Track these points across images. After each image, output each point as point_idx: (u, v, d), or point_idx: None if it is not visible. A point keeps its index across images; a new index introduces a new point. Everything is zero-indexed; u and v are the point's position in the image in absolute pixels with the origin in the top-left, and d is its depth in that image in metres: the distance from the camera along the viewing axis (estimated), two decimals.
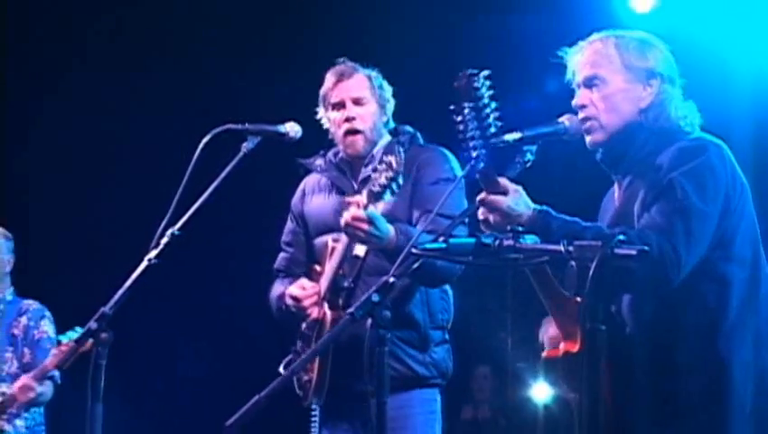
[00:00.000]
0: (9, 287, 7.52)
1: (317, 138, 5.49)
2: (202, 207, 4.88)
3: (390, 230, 4.91)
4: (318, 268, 5.31)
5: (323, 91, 5.44)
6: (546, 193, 4.23)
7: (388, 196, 4.76)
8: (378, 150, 5.38)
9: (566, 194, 5.79)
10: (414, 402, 5.21)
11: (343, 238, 5.04)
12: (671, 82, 4.27)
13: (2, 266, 7.49)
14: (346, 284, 5.10)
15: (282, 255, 5.64)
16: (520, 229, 3.90)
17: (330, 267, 5.14)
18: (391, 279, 4.16)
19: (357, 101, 5.36)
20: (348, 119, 5.35)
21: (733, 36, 8.21)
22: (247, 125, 5.13)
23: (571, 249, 3.64)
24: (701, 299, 4.06)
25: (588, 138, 4.25)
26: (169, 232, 4.82)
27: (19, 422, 7.26)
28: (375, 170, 4.86)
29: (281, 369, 5.20)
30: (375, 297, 4.08)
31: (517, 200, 4.01)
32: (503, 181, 4.02)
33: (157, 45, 9.39)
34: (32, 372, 7.00)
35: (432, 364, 5.26)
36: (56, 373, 7.09)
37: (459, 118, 3.95)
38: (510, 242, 3.85)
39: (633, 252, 3.55)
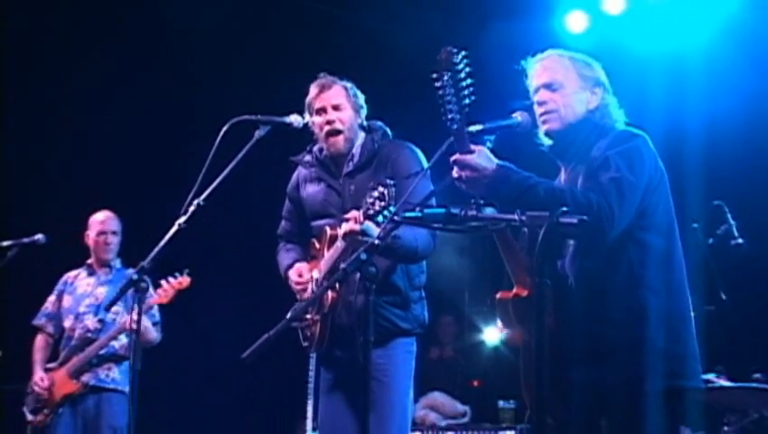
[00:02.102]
0: (117, 259, 7.69)
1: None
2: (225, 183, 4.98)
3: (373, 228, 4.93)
4: (317, 244, 5.38)
5: (308, 100, 5.45)
6: None
7: (380, 219, 4.81)
8: (356, 147, 5.43)
9: None
10: (397, 347, 5.29)
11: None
12: (609, 92, 4.41)
13: (116, 241, 7.65)
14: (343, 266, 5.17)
15: (282, 224, 5.73)
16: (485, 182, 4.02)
17: (330, 255, 5.19)
18: (377, 242, 4.26)
19: (336, 107, 5.39)
20: (329, 122, 5.38)
21: (650, 51, 8.27)
22: (259, 116, 5.20)
23: (524, 218, 3.72)
24: (627, 260, 4.12)
25: (545, 127, 4.35)
26: (195, 202, 4.95)
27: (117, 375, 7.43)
28: (370, 196, 4.89)
29: (287, 316, 5.27)
30: (363, 256, 4.19)
31: (482, 156, 4.06)
32: (472, 146, 4.07)
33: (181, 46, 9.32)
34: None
35: (412, 319, 5.33)
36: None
37: (438, 85, 3.98)
38: (474, 212, 3.93)
39: (575, 221, 3.64)
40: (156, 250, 4.99)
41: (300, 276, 5.35)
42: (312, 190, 5.52)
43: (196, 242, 5.89)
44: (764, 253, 6.71)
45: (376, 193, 4.74)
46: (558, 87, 4.36)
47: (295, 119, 5.29)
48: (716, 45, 8.21)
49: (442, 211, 4.02)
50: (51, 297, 7.67)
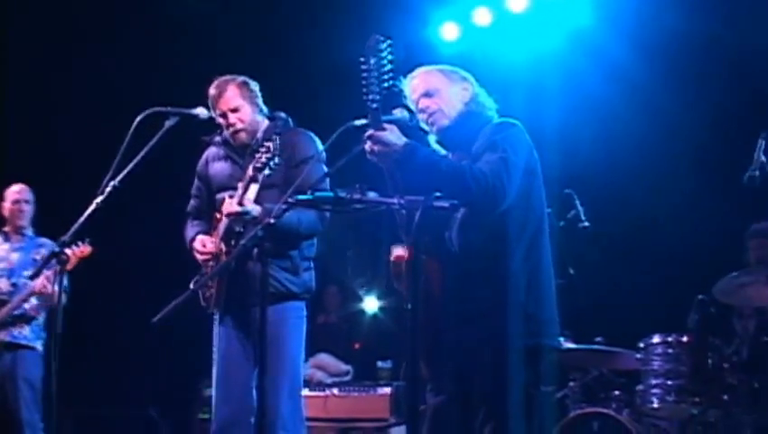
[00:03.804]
0: (30, 227, 7.65)
1: None
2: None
3: (256, 209, 5.07)
4: (218, 215, 5.38)
5: (209, 102, 5.43)
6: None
7: (266, 171, 4.91)
8: (260, 135, 5.44)
9: None
10: (288, 310, 5.32)
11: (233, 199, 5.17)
12: (475, 84, 4.47)
13: (28, 209, 7.63)
14: (237, 229, 5.21)
15: (191, 202, 5.71)
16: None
17: (222, 224, 5.25)
18: (272, 221, 4.31)
19: (234, 109, 5.40)
20: (230, 125, 5.41)
21: (513, 58, 8.38)
22: (169, 108, 5.21)
23: (402, 201, 3.80)
24: (504, 234, 4.16)
25: (435, 127, 4.39)
26: (111, 184, 4.97)
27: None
28: (257, 151, 4.99)
29: (191, 285, 5.29)
30: (260, 233, 4.22)
31: (393, 133, 4.07)
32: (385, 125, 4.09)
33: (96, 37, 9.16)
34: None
35: (301, 284, 5.36)
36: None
37: (364, 68, 3.99)
38: (358, 195, 4.00)
39: (447, 205, 3.76)
40: (76, 225, 5.01)
41: (204, 246, 5.35)
42: (219, 166, 5.53)
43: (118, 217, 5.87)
44: (606, 234, 6.87)
45: (263, 149, 4.81)
46: (434, 92, 4.40)
47: (200, 111, 5.30)
48: (568, 53, 8.37)
49: (330, 194, 4.07)
50: None
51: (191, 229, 5.60)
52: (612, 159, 8.20)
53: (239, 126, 5.40)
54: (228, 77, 5.45)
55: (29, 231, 7.65)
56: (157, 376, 9.60)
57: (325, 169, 5.02)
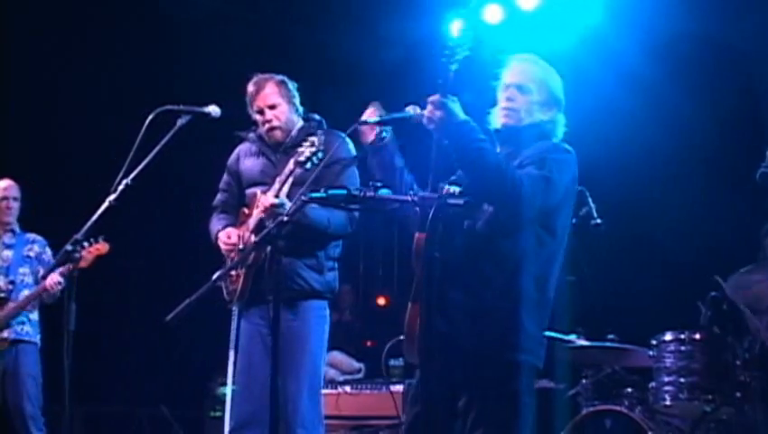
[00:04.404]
0: (16, 224, 7.64)
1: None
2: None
3: (289, 204, 5.05)
4: (246, 211, 5.41)
5: (247, 99, 5.50)
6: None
7: (308, 165, 4.88)
8: (294, 133, 5.47)
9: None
10: (311, 309, 5.33)
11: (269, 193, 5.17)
12: (561, 111, 4.40)
13: (16, 206, 7.61)
14: (269, 224, 5.19)
15: (219, 196, 5.72)
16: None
17: (255, 215, 5.24)
18: (285, 218, 4.30)
19: (272, 106, 5.44)
20: (268, 121, 5.44)
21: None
22: (181, 106, 5.19)
23: (416, 198, 3.79)
24: (521, 248, 4.11)
25: (503, 120, 4.30)
26: (124, 182, 4.95)
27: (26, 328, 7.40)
28: (295, 147, 4.98)
29: (213, 278, 5.28)
30: (273, 231, 4.21)
31: (457, 105, 4.01)
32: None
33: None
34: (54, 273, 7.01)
35: (325, 283, 5.38)
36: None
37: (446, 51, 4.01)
38: (372, 193, 3.99)
39: (461, 202, 3.73)
40: (89, 223, 4.99)
41: (229, 238, 5.36)
42: (251, 162, 5.56)
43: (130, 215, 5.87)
44: (618, 232, 6.86)
45: (306, 143, 4.79)
46: (527, 91, 4.30)
47: (212, 110, 5.28)
48: (579, 52, 8.34)
49: (343, 192, 4.06)
50: None
51: (217, 222, 5.61)
52: (623, 158, 8.20)
53: (276, 123, 5.44)
54: (267, 75, 5.51)
55: (16, 228, 7.65)
56: (169, 374, 9.60)
57: (357, 173, 5.07)
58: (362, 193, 4.00)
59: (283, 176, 5.12)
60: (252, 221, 5.28)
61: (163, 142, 5.11)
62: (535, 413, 4.17)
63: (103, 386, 9.09)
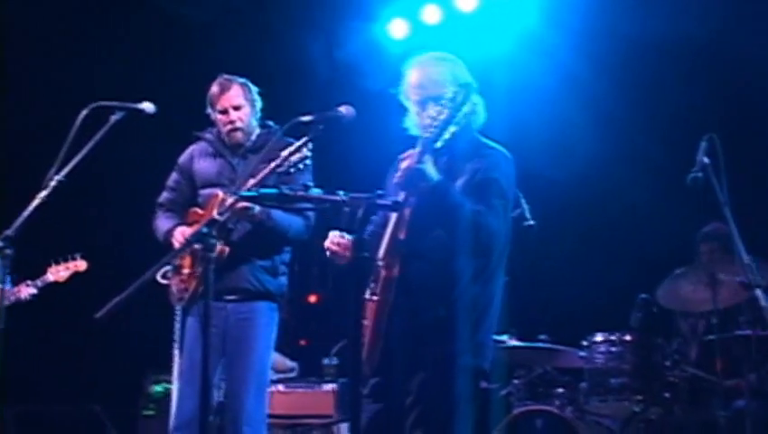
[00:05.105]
0: None
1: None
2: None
3: (257, 208, 5.17)
4: (200, 211, 5.47)
5: (210, 98, 5.59)
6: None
7: (292, 170, 4.84)
8: (254, 138, 5.58)
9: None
10: (262, 309, 5.48)
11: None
12: (475, 92, 4.51)
13: None
14: (230, 226, 5.28)
15: (166, 194, 5.76)
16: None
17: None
18: (217, 217, 4.35)
19: (236, 107, 5.55)
20: (231, 122, 5.53)
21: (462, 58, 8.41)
22: (114, 102, 5.20)
23: (346, 199, 3.87)
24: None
25: (427, 134, 4.27)
26: (56, 178, 4.94)
27: None
28: (286, 150, 4.97)
29: (159, 277, 5.36)
30: (205, 229, 4.25)
31: (430, 167, 4.13)
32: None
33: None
34: None
35: (277, 286, 5.53)
36: None
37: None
38: (303, 193, 4.06)
39: (389, 203, 3.82)
40: (20, 220, 4.97)
41: (183, 235, 5.41)
42: (207, 163, 5.64)
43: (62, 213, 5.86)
44: (552, 233, 6.95)
45: (292, 148, 4.79)
46: (442, 98, 4.31)
47: (147, 106, 5.28)
48: (518, 54, 8.43)
49: (275, 190, 4.13)
50: None
51: (166, 220, 5.65)
52: (559, 159, 8.28)
53: (239, 124, 5.54)
54: (232, 76, 5.61)
55: None
56: (102, 372, 9.55)
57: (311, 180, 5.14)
58: (293, 193, 4.08)
59: (257, 179, 5.12)
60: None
61: (96, 138, 5.10)
62: (475, 414, 4.29)
63: (35, 385, 9.01)
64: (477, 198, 4.22)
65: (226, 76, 5.61)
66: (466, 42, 8.56)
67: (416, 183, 4.10)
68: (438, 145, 4.20)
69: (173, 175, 5.76)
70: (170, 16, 8.68)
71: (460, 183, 4.27)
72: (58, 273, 7.05)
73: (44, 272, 6.93)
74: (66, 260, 6.87)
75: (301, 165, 4.85)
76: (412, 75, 4.48)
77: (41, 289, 6.88)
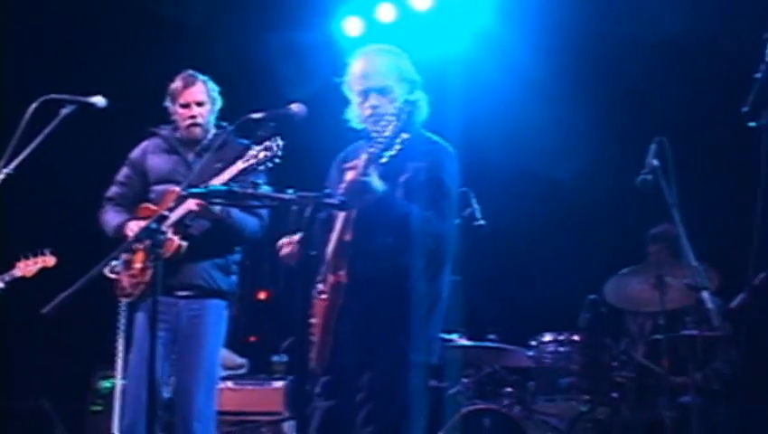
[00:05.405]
0: None
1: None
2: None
3: (217, 207, 5.26)
4: (153, 207, 5.48)
5: (173, 92, 5.65)
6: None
7: (261, 168, 4.98)
8: (210, 136, 5.65)
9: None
10: (213, 307, 5.56)
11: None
12: (419, 88, 4.55)
13: None
14: (188, 222, 5.34)
15: (115, 188, 5.77)
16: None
17: (180, 209, 5.28)
18: (165, 213, 4.37)
19: (199, 103, 5.62)
20: (192, 116, 5.60)
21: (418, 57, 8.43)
22: (65, 95, 5.20)
23: (294, 197, 3.90)
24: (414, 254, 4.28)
25: (373, 126, 4.31)
26: (4, 171, 4.95)
27: None
28: (254, 149, 5.02)
29: (107, 271, 5.37)
30: (153, 225, 4.27)
31: (376, 180, 4.12)
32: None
33: None
34: None
35: (229, 284, 5.62)
36: None
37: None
38: (252, 190, 4.10)
39: (336, 202, 3.86)
40: None
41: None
42: (161, 159, 5.68)
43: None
44: (502, 233, 7.00)
45: (260, 147, 4.83)
46: (389, 91, 4.39)
47: (98, 100, 5.31)
48: (473, 53, 8.47)
49: (224, 187, 4.16)
50: None
51: (116, 214, 5.67)
52: (511, 158, 8.34)
53: (200, 120, 5.62)
54: (196, 72, 5.67)
55: None
56: (49, 368, 9.51)
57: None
58: (242, 190, 4.11)
59: (225, 176, 5.15)
60: (172, 218, 5.30)
61: (45, 132, 5.10)
62: (425, 411, 4.33)
63: None
64: (423, 201, 4.26)
65: (190, 72, 5.67)
66: (421, 40, 8.60)
67: (361, 196, 4.11)
68: (384, 160, 4.15)
69: (124, 170, 5.77)
70: (125, 11, 8.67)
71: (403, 179, 4.30)
72: (26, 268, 6.99)
73: (12, 267, 6.87)
74: (35, 255, 6.83)
75: (270, 164, 4.92)
76: (357, 65, 4.49)
77: (7, 284, 6.83)
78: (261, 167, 4.97)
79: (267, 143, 4.91)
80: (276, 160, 4.91)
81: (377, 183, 4.12)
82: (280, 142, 4.87)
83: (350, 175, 4.12)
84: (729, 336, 6.23)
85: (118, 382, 5.63)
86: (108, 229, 5.61)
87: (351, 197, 4.09)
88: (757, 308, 5.32)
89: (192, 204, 5.23)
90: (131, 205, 5.66)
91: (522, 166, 8.37)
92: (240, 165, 5.08)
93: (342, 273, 4.17)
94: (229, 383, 7.56)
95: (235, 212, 5.38)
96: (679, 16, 7.65)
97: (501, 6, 8.50)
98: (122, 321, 5.55)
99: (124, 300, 5.56)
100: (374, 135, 4.20)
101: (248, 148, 5.09)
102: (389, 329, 4.24)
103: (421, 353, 4.29)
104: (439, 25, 8.69)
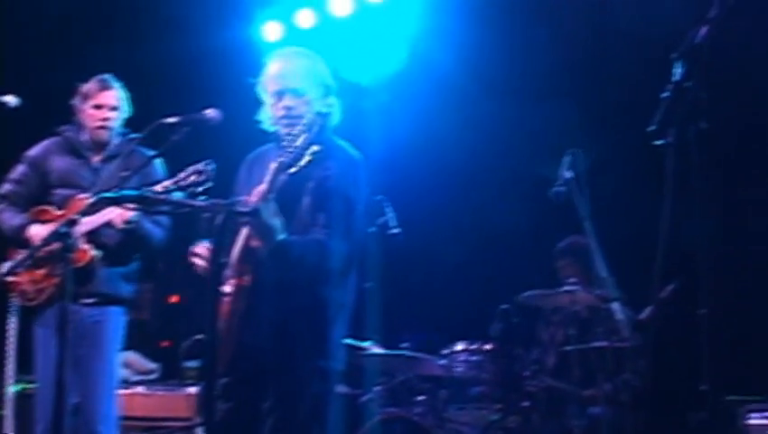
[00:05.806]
0: None
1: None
2: None
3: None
4: (57, 211, 5.46)
5: (86, 92, 5.65)
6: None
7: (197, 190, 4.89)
8: (116, 139, 5.67)
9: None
10: (115, 313, 5.58)
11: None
12: (334, 94, 4.57)
13: None
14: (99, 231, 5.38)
15: (8, 186, 5.67)
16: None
17: (91, 219, 5.27)
18: (75, 217, 4.35)
19: (113, 108, 5.64)
20: (105, 118, 5.62)
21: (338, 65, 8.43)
22: None
23: (206, 204, 3.90)
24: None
25: (286, 130, 4.30)
26: None
27: None
28: (185, 171, 4.93)
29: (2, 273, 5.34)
30: (63, 229, 4.25)
31: (277, 220, 4.11)
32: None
33: None
34: None
35: (129, 291, 5.65)
36: None
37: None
38: (164, 196, 4.09)
39: (247, 210, 3.88)
40: None
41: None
42: (64, 161, 5.63)
43: None
44: (416, 242, 7.04)
45: (191, 169, 4.78)
46: (303, 93, 4.40)
47: (9, 100, 5.31)
48: (392, 60, 8.50)
49: (136, 192, 4.14)
50: None
51: (13, 214, 5.59)
52: (428, 168, 8.39)
53: (111, 123, 5.63)
54: (110, 77, 5.69)
55: None
56: None
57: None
58: (154, 196, 4.10)
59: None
60: (87, 226, 5.28)
61: None
62: (334, 417, 4.36)
63: None
64: (328, 211, 4.27)
65: (105, 76, 5.69)
66: (340, 47, 8.62)
67: (260, 235, 4.13)
68: (294, 171, 4.12)
69: (20, 168, 5.69)
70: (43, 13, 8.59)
71: (311, 186, 4.29)
72: None
73: None
74: None
75: (198, 189, 4.87)
76: (273, 66, 4.50)
77: None
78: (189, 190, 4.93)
79: (199, 166, 4.86)
80: (206, 186, 4.85)
81: (274, 223, 4.09)
82: (211, 167, 4.82)
83: (253, 197, 4.10)
84: (638, 347, 6.35)
85: (11, 388, 5.60)
86: (6, 228, 5.54)
87: (253, 231, 4.13)
88: (665, 320, 5.46)
89: (113, 216, 5.29)
90: (25, 205, 5.58)
91: (437, 175, 8.42)
92: (168, 183, 5.04)
93: (247, 277, 4.18)
94: (141, 389, 7.49)
95: (145, 222, 5.47)
96: (596, 26, 7.77)
97: (420, 13, 8.54)
98: (11, 326, 5.49)
99: (26, 304, 5.49)
100: (285, 139, 4.18)
101: (152, 159, 5.09)
102: (295, 334, 4.25)
103: (327, 359, 4.32)
104: (358, 32, 8.72)
